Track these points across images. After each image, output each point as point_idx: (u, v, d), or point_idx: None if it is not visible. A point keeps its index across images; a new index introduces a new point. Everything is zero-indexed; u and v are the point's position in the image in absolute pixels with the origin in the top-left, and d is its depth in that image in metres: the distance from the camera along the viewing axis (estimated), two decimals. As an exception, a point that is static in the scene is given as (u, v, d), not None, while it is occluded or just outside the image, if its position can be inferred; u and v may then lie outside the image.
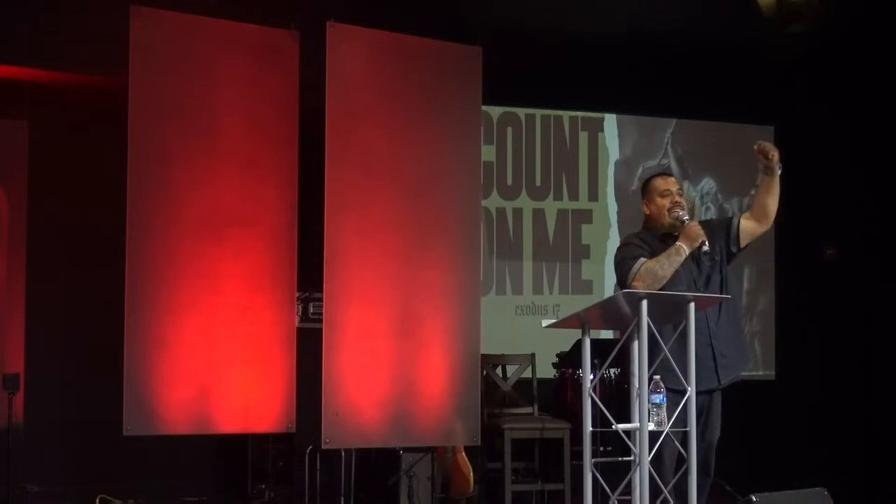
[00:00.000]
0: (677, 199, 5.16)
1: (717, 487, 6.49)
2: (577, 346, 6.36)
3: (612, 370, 6.75)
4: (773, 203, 5.11)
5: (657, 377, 4.49)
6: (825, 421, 8.33)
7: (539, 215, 8.50)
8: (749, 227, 5.19)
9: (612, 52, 7.98)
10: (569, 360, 7.33)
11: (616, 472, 4.64)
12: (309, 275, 6.45)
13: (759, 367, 8.86)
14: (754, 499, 4.90)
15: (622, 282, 5.05)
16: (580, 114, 8.62)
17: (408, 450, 6.68)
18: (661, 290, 4.88)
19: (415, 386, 6.29)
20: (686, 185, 8.45)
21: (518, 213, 8.46)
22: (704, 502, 4.94)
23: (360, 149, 6.24)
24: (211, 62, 6.16)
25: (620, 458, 4.60)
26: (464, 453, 6.89)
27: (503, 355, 7.28)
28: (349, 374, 6.12)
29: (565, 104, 8.54)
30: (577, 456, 5.96)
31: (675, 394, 4.57)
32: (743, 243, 5.21)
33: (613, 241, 8.19)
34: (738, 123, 8.69)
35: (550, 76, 8.06)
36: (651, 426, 4.45)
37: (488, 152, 8.15)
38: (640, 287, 4.83)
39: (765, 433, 8.19)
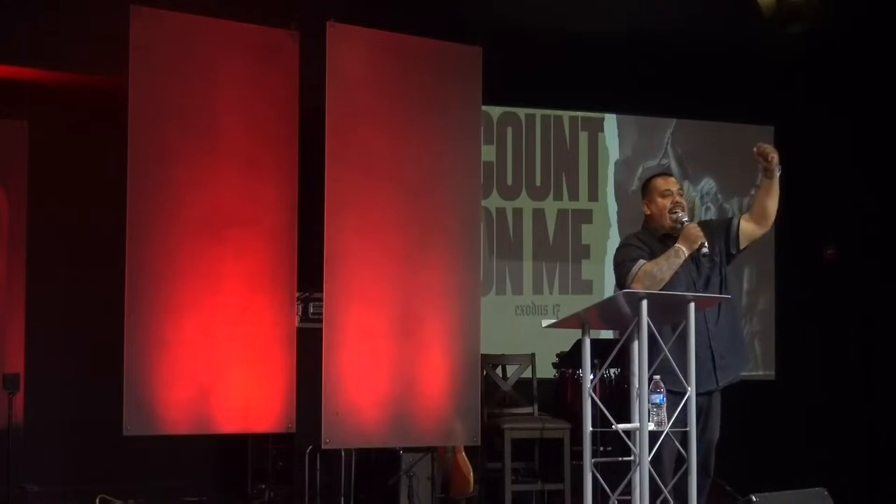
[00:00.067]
0: (678, 199, 5.15)
1: (717, 487, 6.49)
2: (577, 346, 6.36)
3: (612, 370, 6.74)
4: (772, 205, 5.10)
5: (657, 377, 4.49)
6: (825, 421, 8.33)
7: (539, 215, 8.50)
8: (748, 229, 5.19)
9: (612, 52, 7.98)
10: (569, 360, 7.33)
11: (616, 472, 4.63)
12: (309, 275, 6.45)
13: (759, 367, 8.86)
14: (754, 499, 4.90)
15: (621, 283, 5.05)
16: (580, 114, 8.62)
17: (408, 450, 6.68)
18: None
19: (415, 386, 6.29)
20: (686, 185, 8.45)
21: (518, 213, 8.46)
22: (704, 502, 4.93)
23: (360, 149, 6.24)
24: (211, 62, 6.16)
25: (620, 458, 4.60)
26: (464, 453, 6.89)
27: (503, 355, 7.28)
28: (349, 374, 6.12)
29: (565, 104, 8.54)
30: (577, 456, 5.96)
31: (675, 395, 4.57)
32: (742, 245, 5.21)
33: (613, 241, 8.19)
34: (738, 123, 8.69)
35: (550, 76, 8.06)
36: (651, 426, 4.44)
37: (488, 152, 8.15)
38: (638, 289, 4.83)
39: (765, 433, 8.19)
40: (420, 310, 6.33)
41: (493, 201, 8.35)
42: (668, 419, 4.48)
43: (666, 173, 5.49)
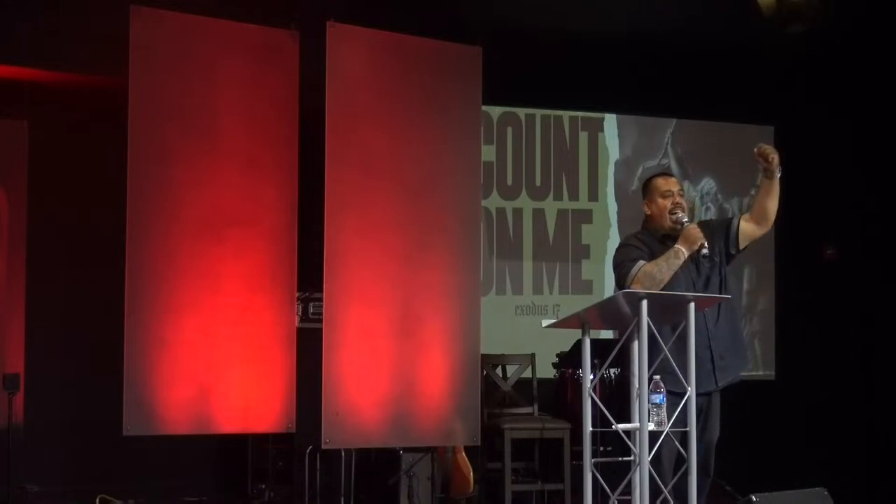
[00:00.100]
0: (678, 200, 5.15)
1: (717, 487, 6.49)
2: (577, 346, 6.36)
3: (612, 370, 6.74)
4: (772, 205, 5.10)
5: (657, 377, 4.49)
6: (825, 421, 8.33)
7: (539, 215, 8.50)
8: (748, 230, 5.18)
9: (612, 52, 7.98)
10: (569, 360, 7.33)
11: (616, 472, 4.63)
12: (309, 275, 6.45)
13: (759, 367, 8.86)
14: (754, 499, 4.90)
15: (621, 284, 5.04)
16: (580, 114, 8.62)
17: (408, 450, 6.68)
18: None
19: (415, 386, 6.29)
20: (686, 185, 8.45)
21: (518, 213, 8.46)
22: (704, 502, 4.93)
23: (360, 149, 6.24)
24: (211, 62, 6.16)
25: (620, 458, 4.60)
26: (464, 453, 6.89)
27: (503, 355, 7.28)
28: (349, 374, 6.12)
29: (565, 104, 8.54)
30: (577, 456, 5.96)
31: (674, 395, 4.57)
32: (742, 245, 5.21)
33: (613, 241, 8.19)
34: (738, 123, 8.69)
35: (550, 76, 8.06)
36: (651, 426, 4.44)
37: (488, 152, 8.15)
38: (638, 290, 4.83)
39: (765, 433, 8.19)
40: (420, 310, 6.33)
41: (493, 201, 8.35)
42: (669, 419, 4.48)
43: (667, 173, 5.48)
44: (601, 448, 6.09)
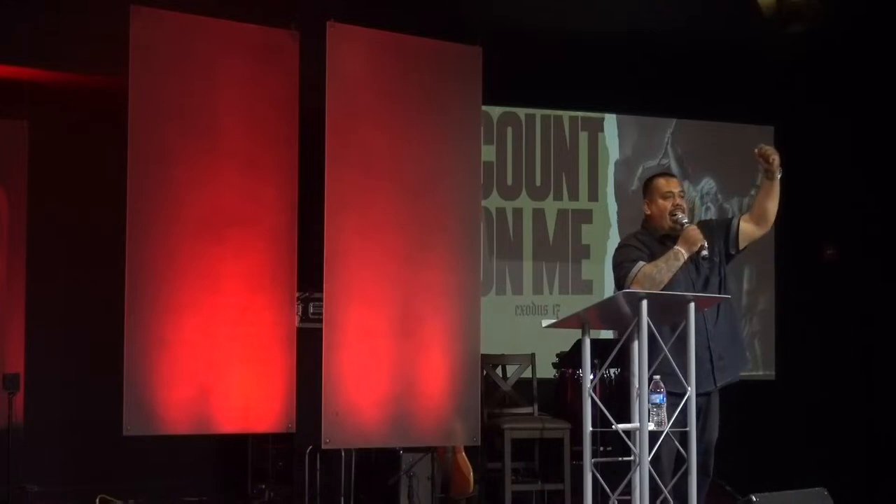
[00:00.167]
0: (678, 201, 5.14)
1: (717, 487, 6.49)
2: (577, 346, 6.36)
3: (612, 370, 6.74)
4: (772, 206, 5.10)
5: (657, 377, 4.49)
6: (825, 421, 8.33)
7: (539, 215, 8.50)
8: (748, 230, 5.18)
9: (612, 52, 7.98)
10: (569, 360, 7.33)
11: (616, 472, 4.63)
12: (309, 275, 6.45)
13: (759, 367, 8.86)
14: (754, 499, 4.90)
15: (620, 284, 5.03)
16: (580, 114, 8.62)
17: (408, 450, 6.68)
18: (659, 291, 4.88)
19: (415, 386, 6.29)
20: (686, 185, 8.45)
21: (518, 213, 8.46)
22: (703, 502, 4.93)
23: (360, 149, 6.24)
24: (211, 62, 6.16)
25: (620, 458, 4.60)
26: (464, 453, 6.89)
27: (503, 355, 7.28)
28: (349, 374, 6.12)
29: (565, 104, 8.54)
30: (577, 456, 5.96)
31: (674, 396, 4.57)
32: (742, 245, 5.21)
33: (613, 241, 8.19)
34: (738, 123, 8.69)
35: (550, 76, 8.06)
36: (651, 426, 4.44)
37: (488, 152, 8.15)
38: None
39: (765, 433, 8.19)
40: (420, 310, 6.33)
41: (493, 201, 8.35)
42: (669, 419, 4.48)
43: (668, 174, 5.47)
44: (601, 448, 6.09)
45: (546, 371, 7.48)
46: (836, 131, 8.46)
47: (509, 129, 8.47)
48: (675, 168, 8.65)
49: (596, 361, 5.18)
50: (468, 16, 7.30)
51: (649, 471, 4.45)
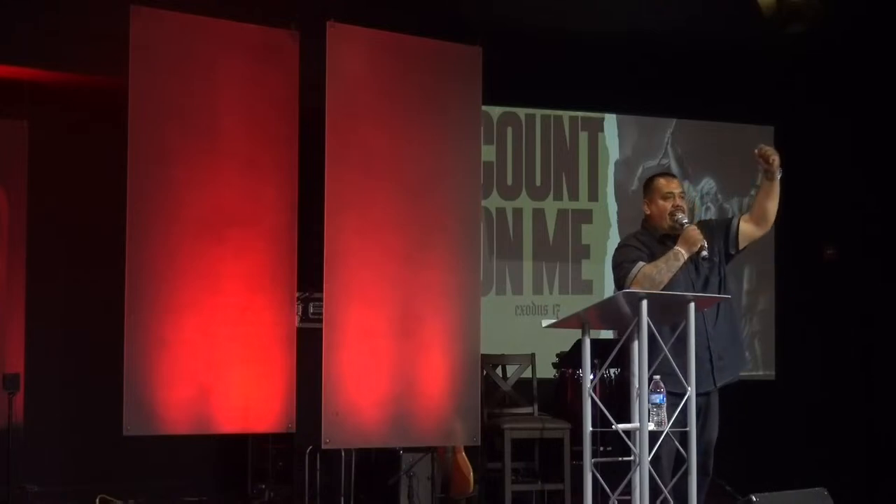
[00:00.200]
0: (679, 202, 5.14)
1: (717, 487, 6.50)
2: (577, 346, 6.36)
3: (612, 370, 6.74)
4: (772, 207, 5.10)
5: (657, 377, 4.49)
6: (825, 421, 8.33)
7: (539, 215, 8.50)
8: (748, 230, 5.18)
9: (612, 52, 7.98)
10: (569, 360, 7.33)
11: (616, 472, 4.63)
12: (309, 275, 6.45)
13: (759, 367, 8.86)
14: (754, 499, 4.90)
15: (620, 285, 5.03)
16: (580, 114, 8.62)
17: (408, 450, 6.68)
18: (659, 291, 4.88)
19: (415, 386, 6.29)
20: (686, 185, 8.45)
21: (518, 213, 8.46)
22: (703, 501, 4.93)
23: (360, 149, 6.24)
24: (211, 62, 6.16)
25: (620, 458, 4.60)
26: (464, 453, 6.89)
27: (503, 355, 7.28)
28: (349, 374, 6.12)
29: (565, 104, 8.53)
30: (577, 456, 5.96)
31: (674, 396, 4.57)
32: (741, 245, 5.21)
33: (613, 241, 8.18)
34: (738, 123, 8.69)
35: (550, 76, 8.06)
36: (651, 426, 4.44)
37: (488, 152, 8.15)
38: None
39: (765, 433, 8.19)
40: (420, 310, 6.33)
41: (493, 201, 8.35)
42: (669, 419, 4.48)
43: (668, 174, 5.46)
44: (601, 448, 6.09)
45: (546, 371, 7.48)
46: (836, 131, 8.46)
47: (509, 129, 8.47)
48: (675, 168, 8.65)
49: (596, 361, 5.18)
50: (468, 16, 7.30)
51: (649, 471, 4.45)
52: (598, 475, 4.61)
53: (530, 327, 7.85)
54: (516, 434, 6.78)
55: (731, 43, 7.94)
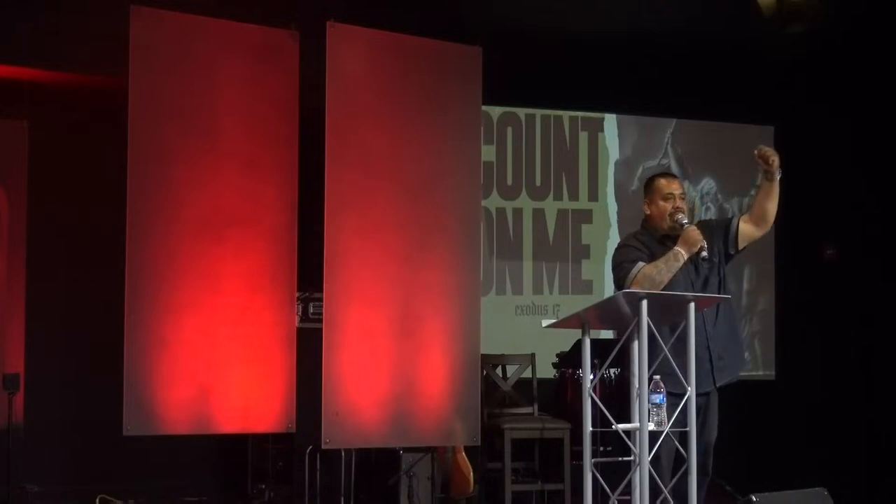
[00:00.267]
0: (679, 203, 5.14)
1: (717, 487, 6.50)
2: (577, 346, 6.36)
3: (612, 370, 6.74)
4: (772, 207, 5.10)
5: (657, 377, 4.49)
6: (825, 421, 8.33)
7: (539, 215, 8.50)
8: (748, 231, 5.18)
9: (612, 52, 7.98)
10: (569, 360, 7.33)
11: (616, 472, 4.63)
12: (309, 275, 6.45)
13: (759, 367, 8.86)
14: (754, 499, 4.90)
15: (620, 285, 5.03)
16: (580, 114, 8.62)
17: (408, 450, 6.68)
18: (658, 291, 4.87)
19: (415, 386, 6.29)
20: (686, 185, 8.44)
21: (518, 213, 8.46)
22: (703, 501, 4.93)
23: (360, 149, 6.24)
24: (211, 62, 6.16)
25: (620, 458, 4.60)
26: (464, 453, 6.89)
27: (503, 355, 7.28)
28: (349, 374, 6.12)
29: (565, 104, 8.54)
30: (577, 456, 5.96)
31: (673, 396, 4.57)
32: (741, 246, 5.21)
33: (613, 241, 8.18)
34: (738, 123, 8.69)
35: (550, 76, 8.06)
36: (651, 426, 4.44)
37: (488, 152, 8.15)
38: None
39: (765, 433, 8.19)
40: (420, 310, 6.33)
41: (493, 201, 8.35)
42: (669, 419, 4.48)
43: (669, 174, 5.46)
44: (601, 448, 6.09)
45: (546, 371, 7.48)
46: (836, 131, 8.46)
47: (509, 129, 8.47)
48: (675, 168, 8.65)
49: (596, 361, 5.18)
50: (468, 16, 7.30)
51: (649, 471, 4.45)
52: (598, 475, 4.61)
53: (530, 327, 7.85)
54: (516, 434, 6.78)
55: (731, 43, 7.94)
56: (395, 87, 6.39)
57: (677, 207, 5.12)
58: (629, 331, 4.53)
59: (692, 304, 4.59)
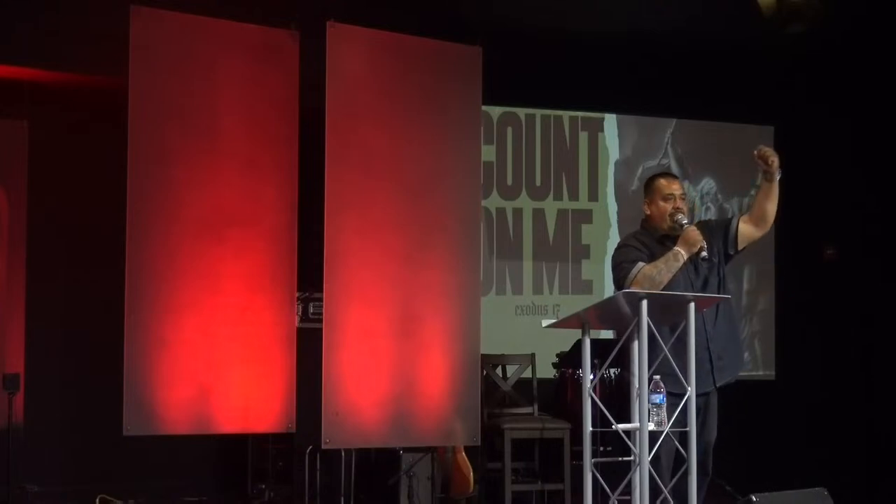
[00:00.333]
0: (679, 203, 5.14)
1: (717, 487, 6.50)
2: (577, 346, 6.36)
3: (612, 370, 6.74)
4: (772, 208, 5.10)
5: (657, 377, 4.49)
6: (825, 421, 8.33)
7: (539, 215, 8.50)
8: (747, 231, 5.18)
9: (612, 52, 7.98)
10: (569, 360, 7.33)
11: (616, 472, 4.63)
12: (309, 275, 6.45)
13: (759, 367, 8.86)
14: (754, 499, 4.90)
15: (619, 285, 5.03)
16: (580, 114, 8.62)
17: (408, 450, 6.68)
18: (658, 292, 4.87)
19: (415, 386, 6.29)
20: (686, 185, 8.43)
21: (518, 213, 8.46)
22: (703, 501, 4.93)
23: (360, 149, 6.24)
24: (211, 62, 6.16)
25: (620, 458, 4.60)
26: (464, 453, 6.89)
27: (503, 355, 7.28)
28: (349, 374, 6.12)
29: (565, 104, 8.54)
30: (577, 456, 5.96)
31: (673, 396, 4.57)
32: (740, 246, 5.21)
33: (613, 241, 8.17)
34: (738, 123, 8.69)
35: (550, 76, 8.06)
36: (651, 426, 4.44)
37: (488, 152, 8.15)
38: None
39: (765, 433, 8.20)
40: (420, 310, 6.33)
41: (493, 201, 8.35)
42: (669, 419, 4.48)
43: (670, 175, 5.45)
44: (601, 448, 6.09)
45: (546, 371, 7.48)
46: (836, 131, 8.47)
47: (509, 129, 8.47)
48: (675, 168, 8.65)
49: (596, 361, 5.18)
50: (468, 16, 7.30)
51: (649, 471, 4.45)
52: (598, 475, 4.61)
53: (530, 327, 7.85)
54: (516, 434, 6.78)
55: (731, 43, 7.94)
56: (395, 87, 6.39)
57: (677, 208, 5.12)
58: (629, 331, 4.53)
59: (692, 305, 4.59)
